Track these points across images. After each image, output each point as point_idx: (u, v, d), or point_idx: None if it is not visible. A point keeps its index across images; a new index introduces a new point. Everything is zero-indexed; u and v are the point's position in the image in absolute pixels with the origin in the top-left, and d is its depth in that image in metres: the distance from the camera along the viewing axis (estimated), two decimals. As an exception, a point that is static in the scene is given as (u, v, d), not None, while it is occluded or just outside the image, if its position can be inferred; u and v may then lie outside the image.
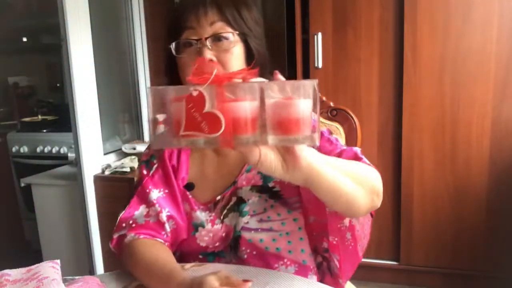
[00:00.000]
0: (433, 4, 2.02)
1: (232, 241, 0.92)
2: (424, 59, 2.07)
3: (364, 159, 0.82)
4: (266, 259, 0.90)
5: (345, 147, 0.86)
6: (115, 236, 0.93)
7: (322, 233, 0.90)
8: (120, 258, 0.91)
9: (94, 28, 2.10)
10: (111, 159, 2.31)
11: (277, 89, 0.58)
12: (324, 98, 1.19)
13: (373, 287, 2.27)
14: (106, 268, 2.16)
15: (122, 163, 2.25)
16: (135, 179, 1.02)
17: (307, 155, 0.61)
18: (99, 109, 2.17)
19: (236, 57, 0.86)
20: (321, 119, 1.16)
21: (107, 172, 2.18)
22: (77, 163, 2.10)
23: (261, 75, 0.90)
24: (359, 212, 0.75)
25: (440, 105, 2.09)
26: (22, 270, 0.78)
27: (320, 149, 0.72)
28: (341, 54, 2.20)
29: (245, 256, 0.90)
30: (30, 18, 3.09)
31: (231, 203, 0.92)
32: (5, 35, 3.08)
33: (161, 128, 0.61)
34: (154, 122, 0.61)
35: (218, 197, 0.92)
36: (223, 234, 0.92)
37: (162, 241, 0.91)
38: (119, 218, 0.93)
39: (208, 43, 0.84)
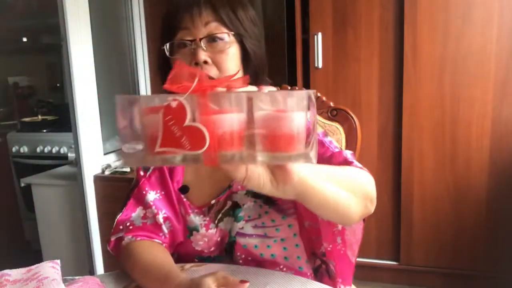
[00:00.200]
0: (433, 4, 2.02)
1: (227, 245, 0.91)
2: (424, 59, 2.07)
3: (355, 162, 0.80)
4: (261, 265, 0.89)
5: (336, 150, 0.84)
6: (113, 238, 0.93)
7: (319, 237, 0.89)
8: (119, 260, 0.91)
9: (94, 28, 2.10)
10: (111, 159, 2.31)
11: (267, 100, 0.51)
12: (324, 98, 1.19)
13: (373, 287, 2.27)
14: (106, 268, 2.16)
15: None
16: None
17: (299, 169, 0.57)
18: (99, 109, 2.17)
19: (231, 58, 0.84)
20: (321, 119, 1.16)
21: (107, 172, 2.18)
22: (77, 163, 2.10)
23: (257, 77, 0.90)
24: (352, 220, 0.74)
25: (440, 105, 2.09)
26: (22, 270, 0.78)
27: None
28: (341, 54, 2.20)
29: (240, 261, 0.90)
30: (30, 18, 3.08)
31: (226, 207, 0.91)
32: (5, 35, 3.08)
33: (132, 143, 0.54)
34: (124, 136, 0.54)
35: (213, 201, 0.91)
36: (218, 239, 0.91)
37: (160, 242, 0.91)
38: (116, 220, 0.93)
39: (202, 44, 0.82)
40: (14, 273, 0.77)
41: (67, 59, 1.98)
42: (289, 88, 1.21)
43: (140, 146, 0.54)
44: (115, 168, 2.20)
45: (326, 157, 0.82)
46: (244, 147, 0.52)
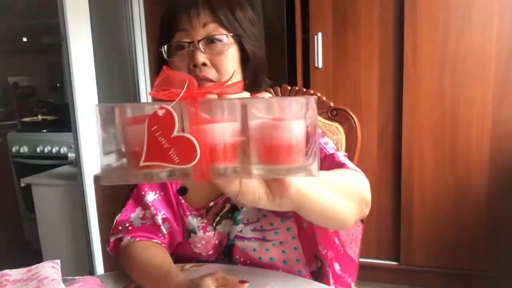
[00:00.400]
0: (433, 4, 2.02)
1: (225, 248, 0.91)
2: (424, 59, 2.07)
3: (348, 164, 0.79)
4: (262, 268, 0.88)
5: (330, 152, 0.83)
6: (112, 239, 0.93)
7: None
8: (118, 261, 0.91)
9: (94, 28, 2.10)
10: (111, 159, 2.30)
11: (263, 108, 0.47)
12: (324, 98, 1.19)
13: (373, 287, 2.27)
14: (106, 268, 2.16)
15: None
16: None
17: (297, 181, 0.54)
18: (99, 109, 2.17)
19: (230, 59, 0.82)
20: (321, 119, 1.16)
21: (115, 156, 2.17)
22: (77, 163, 2.10)
23: (257, 78, 0.90)
24: (348, 225, 0.73)
25: (440, 105, 2.09)
26: (22, 270, 0.78)
27: None
28: (341, 54, 2.20)
29: (239, 264, 0.90)
30: (30, 18, 3.08)
31: (225, 210, 0.90)
32: (5, 35, 3.08)
33: (113, 157, 0.50)
34: (104, 150, 0.49)
35: (211, 204, 0.90)
36: (216, 242, 0.91)
37: (160, 242, 0.91)
38: (115, 221, 0.93)
39: (201, 45, 0.81)
40: (14, 273, 0.77)
41: (67, 59, 1.98)
42: (289, 88, 1.21)
43: (121, 161, 0.49)
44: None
45: (320, 160, 0.81)
46: (238, 159, 0.48)
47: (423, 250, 2.21)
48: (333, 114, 1.15)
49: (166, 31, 0.85)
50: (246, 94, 0.54)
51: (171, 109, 0.45)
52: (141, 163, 0.46)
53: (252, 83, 0.88)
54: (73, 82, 2.00)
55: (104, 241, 2.14)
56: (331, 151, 0.83)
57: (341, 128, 1.15)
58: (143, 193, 0.93)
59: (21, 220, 2.87)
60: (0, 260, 2.30)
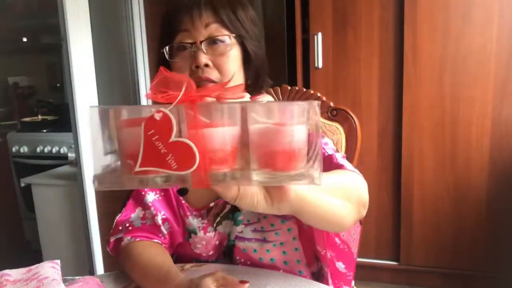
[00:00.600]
0: (433, 4, 2.02)
1: (225, 249, 0.91)
2: (424, 59, 2.07)
3: (347, 165, 0.79)
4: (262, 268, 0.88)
5: (329, 153, 0.83)
6: (112, 239, 0.93)
7: None
8: (118, 261, 0.91)
9: (94, 28, 2.10)
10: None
11: (264, 112, 0.46)
12: (324, 98, 1.19)
13: (373, 287, 2.27)
14: (106, 268, 2.16)
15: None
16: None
17: (296, 186, 0.53)
18: (99, 109, 2.17)
19: (232, 60, 0.82)
20: (321, 119, 1.16)
21: (111, 159, 2.17)
22: (77, 163, 2.10)
23: (259, 78, 0.90)
24: (346, 227, 0.73)
25: (440, 105, 2.09)
26: (22, 270, 0.78)
27: None
28: (341, 54, 2.20)
29: (239, 265, 0.90)
30: (30, 18, 3.08)
31: (225, 210, 0.90)
32: (5, 35, 3.08)
33: (107, 160, 0.49)
34: (98, 155, 0.48)
35: (212, 204, 0.90)
36: (217, 242, 0.91)
37: (160, 242, 0.91)
38: (115, 221, 0.93)
39: (203, 46, 0.80)
40: (14, 273, 0.77)
41: (67, 59, 1.98)
42: (289, 88, 1.21)
43: (116, 165, 0.47)
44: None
45: None
46: (238, 164, 0.46)
47: (423, 250, 2.21)
48: (333, 114, 1.15)
49: (168, 32, 0.84)
50: (246, 96, 0.53)
51: (168, 113, 0.43)
52: (137, 168, 0.44)
53: (254, 84, 0.88)
54: (73, 82, 2.00)
55: (104, 241, 2.14)
56: (329, 152, 0.83)
57: (341, 128, 1.15)
58: (143, 193, 0.93)
59: (21, 220, 2.87)
60: (0, 260, 2.30)
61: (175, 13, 0.84)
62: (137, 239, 0.90)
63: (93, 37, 2.10)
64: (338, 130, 1.14)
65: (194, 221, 0.91)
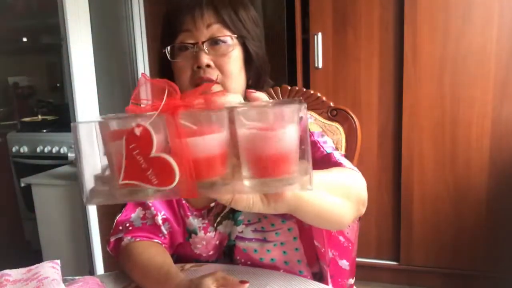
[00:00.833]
0: (433, 4, 2.02)
1: (226, 249, 0.91)
2: (424, 59, 2.07)
3: (345, 163, 0.78)
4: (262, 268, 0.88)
5: (328, 151, 0.82)
6: (112, 239, 0.93)
7: None
8: (118, 261, 0.91)
9: (94, 28, 2.10)
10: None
11: (253, 115, 0.44)
12: (324, 98, 1.19)
13: (373, 287, 2.27)
14: (106, 268, 2.16)
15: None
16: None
17: None
18: (99, 109, 2.17)
19: (234, 61, 0.82)
20: (321, 119, 1.16)
21: (107, 172, 2.17)
22: (77, 163, 2.09)
23: (260, 78, 0.90)
24: (344, 225, 0.73)
25: (440, 105, 2.09)
26: (22, 270, 0.78)
27: None
28: (341, 54, 2.20)
29: (240, 265, 0.90)
30: (30, 18, 3.08)
31: (225, 210, 0.90)
32: (5, 35, 3.08)
33: (98, 176, 0.47)
34: (88, 169, 0.46)
35: (212, 204, 0.90)
36: (217, 242, 0.91)
37: (160, 242, 0.91)
38: (115, 221, 0.93)
39: (205, 47, 0.80)
40: (14, 273, 0.77)
41: (67, 59, 1.98)
42: (289, 88, 1.21)
43: (107, 178, 0.46)
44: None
45: (317, 160, 0.81)
46: (228, 169, 0.45)
47: (423, 250, 2.21)
48: (333, 114, 1.15)
49: (169, 32, 0.84)
50: (237, 97, 0.52)
51: (148, 127, 0.41)
52: (120, 181, 0.43)
53: (255, 84, 0.88)
54: (73, 82, 2.00)
55: (104, 241, 2.14)
56: (328, 150, 0.83)
57: (341, 128, 1.15)
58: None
59: (21, 220, 2.87)
60: (0, 260, 2.30)
61: (176, 13, 0.83)
62: (137, 239, 0.90)
63: (93, 37, 2.10)
64: (338, 130, 1.14)
65: (194, 221, 0.91)
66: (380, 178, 2.21)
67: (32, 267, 0.78)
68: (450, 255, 2.17)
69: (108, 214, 2.10)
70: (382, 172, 2.22)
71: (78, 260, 2.25)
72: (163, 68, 0.87)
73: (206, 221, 0.91)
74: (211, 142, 0.43)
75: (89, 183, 0.47)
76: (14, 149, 2.79)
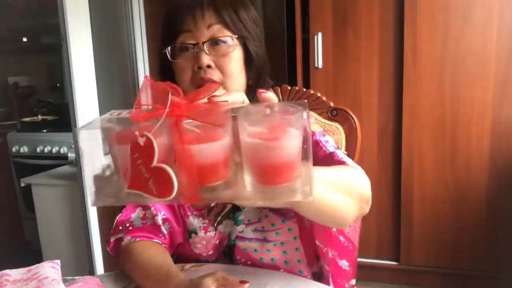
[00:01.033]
0: (433, 4, 2.02)
1: (226, 248, 0.91)
2: (424, 59, 2.07)
3: (348, 162, 0.78)
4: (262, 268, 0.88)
5: (330, 150, 0.82)
6: (112, 239, 0.93)
7: None
8: (118, 261, 0.91)
9: (94, 28, 2.10)
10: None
11: (256, 120, 0.44)
12: (324, 98, 1.19)
13: (373, 287, 2.27)
14: (106, 268, 2.16)
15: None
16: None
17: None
18: (99, 109, 2.17)
19: (234, 61, 0.82)
20: (321, 119, 1.16)
21: (107, 172, 2.17)
22: (77, 163, 2.10)
23: (260, 78, 0.90)
24: (348, 223, 0.73)
25: (440, 105, 2.09)
26: (22, 270, 0.78)
27: None
28: (341, 54, 2.20)
29: (240, 265, 0.90)
30: (30, 18, 3.08)
31: (226, 210, 0.90)
32: (5, 35, 3.08)
33: (103, 177, 0.48)
34: (94, 171, 0.47)
35: (213, 204, 0.90)
36: (217, 242, 0.91)
37: (160, 242, 0.91)
38: (115, 221, 0.93)
39: (205, 47, 0.80)
40: (14, 273, 0.77)
41: (67, 59, 1.98)
42: (289, 88, 1.21)
43: (113, 179, 0.47)
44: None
45: (320, 159, 0.81)
46: (231, 172, 0.45)
47: (423, 250, 2.21)
48: (333, 114, 1.15)
49: (170, 32, 0.84)
50: (240, 95, 0.52)
51: (151, 137, 0.41)
52: (125, 189, 0.44)
53: (255, 84, 0.88)
54: (73, 82, 2.00)
55: (104, 241, 2.14)
56: (331, 150, 0.83)
57: (341, 128, 1.15)
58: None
59: (21, 220, 2.87)
60: (0, 260, 2.30)
61: (177, 14, 0.83)
62: (137, 239, 0.90)
63: (93, 37, 2.10)
64: (338, 130, 1.14)
65: (195, 221, 0.91)
66: (380, 178, 2.21)
67: (32, 267, 0.78)
68: (450, 255, 2.17)
69: (108, 214, 2.10)
70: (382, 172, 2.22)
71: (78, 260, 2.25)
72: (163, 69, 0.87)
73: (207, 221, 0.91)
74: (215, 148, 0.43)
75: (93, 184, 0.47)
76: (14, 149, 2.79)
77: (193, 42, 0.81)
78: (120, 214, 0.93)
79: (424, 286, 2.25)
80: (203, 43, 0.80)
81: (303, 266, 0.90)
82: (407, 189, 2.19)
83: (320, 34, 2.20)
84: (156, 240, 0.91)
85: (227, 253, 0.91)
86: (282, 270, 0.89)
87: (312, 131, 0.85)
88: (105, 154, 0.48)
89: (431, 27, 2.04)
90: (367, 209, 0.73)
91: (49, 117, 3.03)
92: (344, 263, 0.89)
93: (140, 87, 0.45)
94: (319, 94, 1.19)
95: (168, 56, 0.83)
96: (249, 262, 0.89)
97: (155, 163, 0.42)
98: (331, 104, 1.17)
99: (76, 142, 2.07)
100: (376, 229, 2.27)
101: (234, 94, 0.50)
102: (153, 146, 0.42)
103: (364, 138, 1.27)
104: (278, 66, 2.45)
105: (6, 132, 2.85)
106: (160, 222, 0.90)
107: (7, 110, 3.21)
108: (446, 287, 2.22)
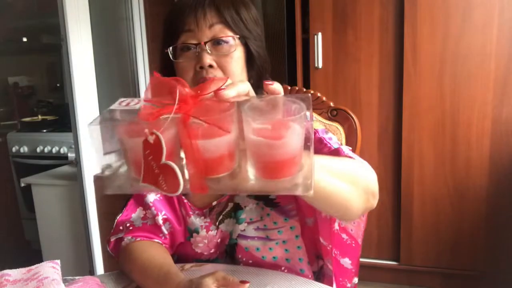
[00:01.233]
0: (433, 4, 2.02)
1: (227, 247, 0.91)
2: (424, 59, 2.07)
3: (355, 157, 0.79)
4: (263, 268, 0.88)
5: (335, 147, 0.82)
6: (113, 239, 0.93)
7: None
8: (118, 261, 0.91)
9: (94, 28, 2.10)
10: (111, 159, 2.31)
11: (260, 116, 0.45)
12: (324, 98, 1.19)
13: (373, 287, 2.27)
14: (106, 268, 2.16)
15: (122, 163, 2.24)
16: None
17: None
18: (99, 109, 2.17)
19: (236, 61, 0.82)
20: (321, 119, 1.16)
21: (107, 172, 2.17)
22: (77, 163, 2.10)
23: (261, 77, 0.90)
24: (355, 214, 0.73)
25: (440, 105, 2.08)
26: (22, 270, 0.78)
27: None
28: (341, 54, 2.20)
29: (241, 264, 0.90)
30: (30, 18, 3.08)
31: (228, 209, 0.90)
32: (5, 35, 3.08)
33: (115, 166, 0.51)
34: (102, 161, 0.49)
35: (214, 203, 0.91)
36: (218, 241, 0.91)
37: (160, 242, 0.91)
38: (116, 220, 0.93)
39: (207, 47, 0.80)
40: (14, 273, 0.77)
41: (67, 59, 1.98)
42: (289, 88, 1.21)
43: (123, 169, 0.49)
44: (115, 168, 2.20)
45: (325, 153, 0.81)
46: (236, 163, 0.47)
47: (423, 250, 2.21)
48: (333, 114, 1.15)
49: (171, 32, 0.84)
50: (246, 85, 0.52)
51: (159, 135, 0.44)
52: (140, 184, 0.47)
53: (256, 83, 0.88)
54: (73, 82, 2.01)
55: (104, 241, 2.14)
56: (335, 146, 0.82)
57: (341, 128, 1.15)
58: (144, 193, 0.93)
59: (21, 220, 2.87)
60: (0, 260, 2.31)
61: (178, 14, 0.83)
62: (138, 239, 0.90)
63: (93, 37, 2.10)
64: (338, 130, 1.14)
65: (196, 220, 0.91)
66: (380, 178, 2.18)
67: (32, 267, 0.78)
68: (450, 255, 2.17)
69: (108, 214, 2.10)
70: (382, 172, 2.22)
71: (78, 260, 2.25)
72: (165, 68, 0.87)
73: (208, 220, 0.91)
74: (221, 143, 0.45)
75: (106, 173, 0.51)
76: (14, 149, 2.79)
77: (194, 42, 0.81)
78: (121, 214, 0.93)
79: (424, 286, 2.25)
80: (205, 43, 0.80)
81: (304, 265, 0.90)
82: (407, 189, 2.19)
83: (320, 34, 2.20)
84: (156, 240, 0.91)
85: (228, 252, 0.91)
86: (283, 269, 0.89)
87: (315, 129, 0.85)
88: (108, 152, 0.51)
89: (431, 27, 2.04)
90: (374, 202, 0.74)
91: (49, 117, 3.03)
92: (346, 261, 0.89)
93: (146, 84, 0.47)
94: (319, 94, 1.19)
95: (170, 56, 0.83)
96: (250, 261, 0.89)
97: (163, 160, 0.45)
98: (331, 104, 1.17)
99: (76, 140, 2.07)
100: (376, 229, 2.28)
101: (240, 84, 0.51)
102: (161, 144, 0.44)
103: (364, 138, 1.27)
104: (278, 66, 2.45)
105: (6, 132, 2.85)
106: (160, 222, 0.90)
107: (7, 110, 3.21)
108: (446, 287, 2.22)
